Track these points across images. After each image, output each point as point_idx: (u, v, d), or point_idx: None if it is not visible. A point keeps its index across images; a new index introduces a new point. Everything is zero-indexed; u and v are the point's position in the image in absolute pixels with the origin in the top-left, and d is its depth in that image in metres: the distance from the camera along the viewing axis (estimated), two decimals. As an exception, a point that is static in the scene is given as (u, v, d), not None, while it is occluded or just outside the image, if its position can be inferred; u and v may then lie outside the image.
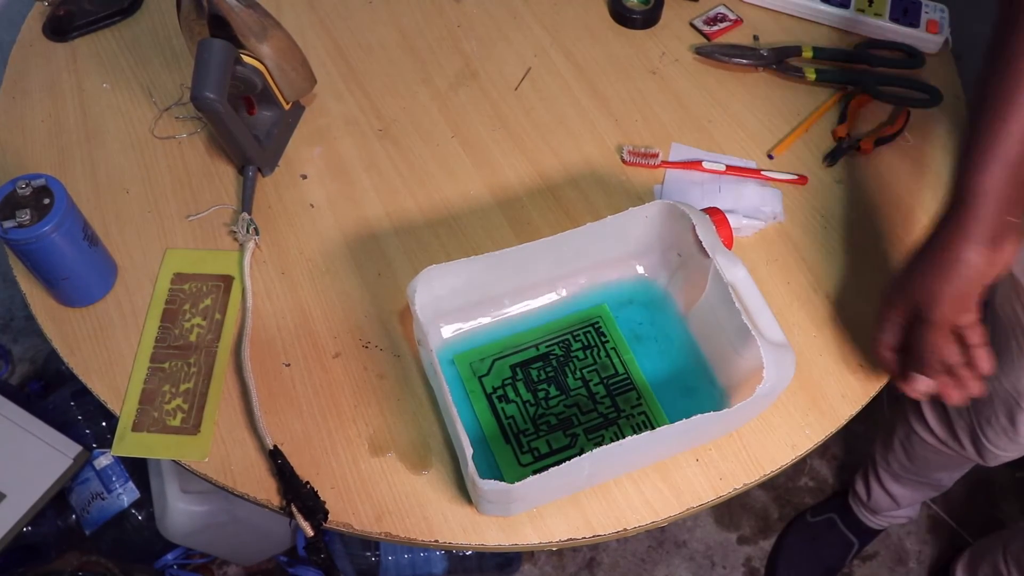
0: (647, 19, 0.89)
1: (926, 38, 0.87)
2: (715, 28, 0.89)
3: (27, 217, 0.61)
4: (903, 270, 0.62)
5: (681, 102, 0.84)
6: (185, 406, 0.65)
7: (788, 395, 0.66)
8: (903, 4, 0.89)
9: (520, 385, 0.65)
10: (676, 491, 0.62)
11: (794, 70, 0.84)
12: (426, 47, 0.87)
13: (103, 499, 1.13)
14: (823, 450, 1.39)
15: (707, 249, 0.60)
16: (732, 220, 0.70)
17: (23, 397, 1.20)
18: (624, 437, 0.53)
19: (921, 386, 0.62)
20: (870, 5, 0.89)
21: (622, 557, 1.29)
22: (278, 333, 0.69)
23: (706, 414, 0.54)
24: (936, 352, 0.59)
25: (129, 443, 0.64)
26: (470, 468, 0.52)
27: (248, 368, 0.66)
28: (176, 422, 0.64)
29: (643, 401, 0.65)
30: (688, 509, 0.62)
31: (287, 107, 0.78)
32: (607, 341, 0.67)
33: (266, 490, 0.61)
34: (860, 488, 1.21)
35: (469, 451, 0.53)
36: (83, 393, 1.15)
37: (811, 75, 0.84)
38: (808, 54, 0.85)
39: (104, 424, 1.16)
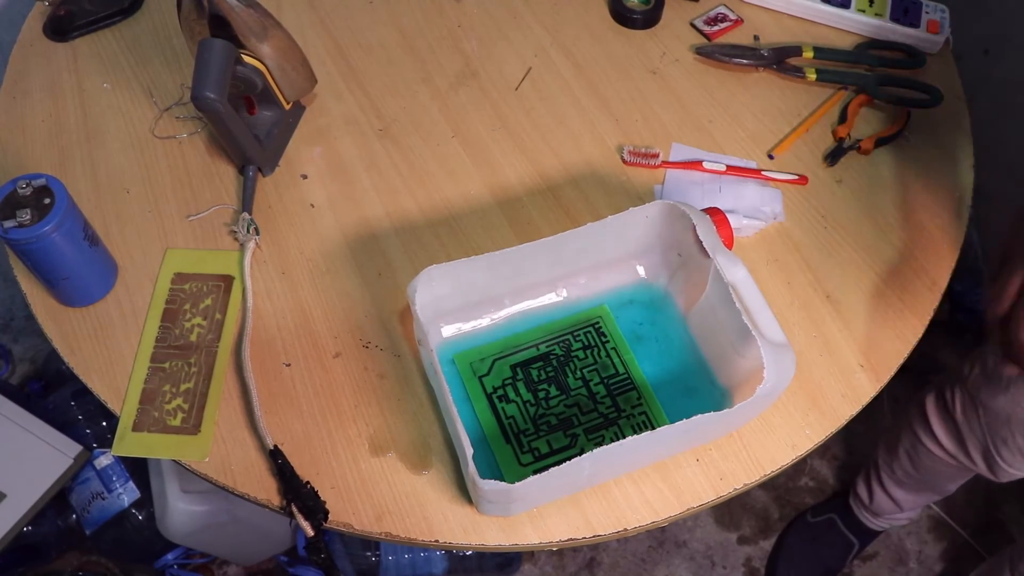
0: (647, 19, 0.89)
1: (927, 38, 0.87)
2: (715, 28, 0.89)
3: (27, 217, 0.61)
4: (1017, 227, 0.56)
5: (681, 102, 0.84)
6: (185, 406, 0.65)
7: (788, 395, 0.66)
8: (904, 4, 0.89)
9: (520, 385, 0.65)
10: (676, 491, 0.62)
11: (794, 70, 0.84)
12: (426, 47, 0.87)
13: (103, 499, 1.13)
14: (823, 450, 1.39)
15: (707, 249, 0.60)
16: (732, 220, 0.70)
17: (23, 397, 1.20)
18: (624, 437, 0.53)
19: None
20: (871, 5, 0.89)
21: (622, 557, 1.29)
22: (278, 333, 0.69)
23: (706, 414, 0.54)
24: None
25: (129, 443, 0.64)
26: (470, 468, 0.52)
27: (248, 368, 0.66)
28: (176, 422, 0.64)
29: (643, 401, 0.65)
30: (688, 509, 0.62)
31: (287, 107, 0.78)
32: (607, 341, 0.67)
33: (266, 490, 0.61)
34: (862, 490, 1.21)
35: (469, 451, 0.53)
36: (83, 393, 1.15)
37: (811, 75, 0.84)
38: (808, 54, 0.85)
39: (104, 424, 1.16)
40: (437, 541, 0.60)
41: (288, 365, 0.67)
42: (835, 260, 0.74)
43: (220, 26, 0.71)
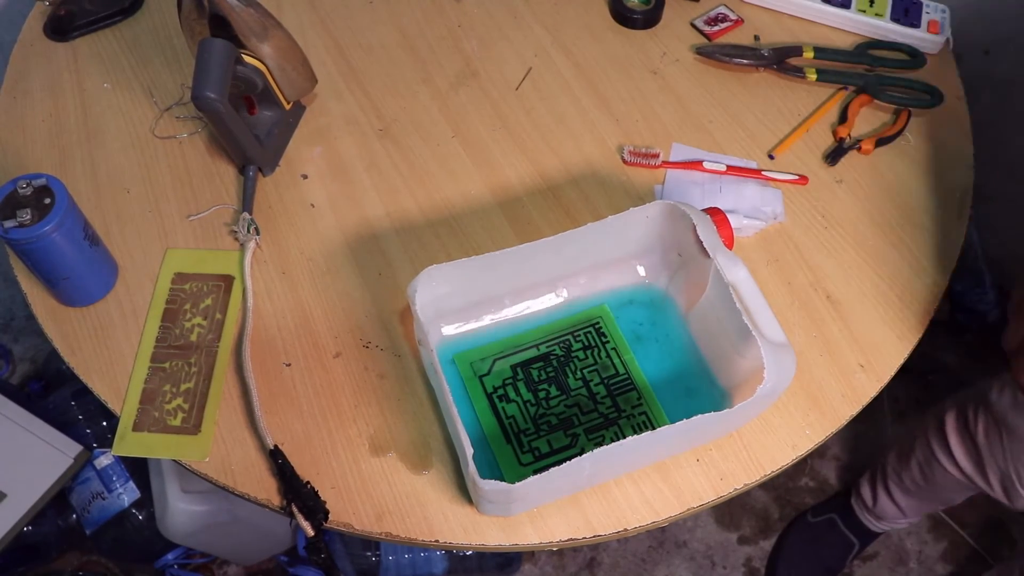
0: (648, 19, 0.89)
1: (927, 38, 0.87)
2: (716, 28, 0.89)
3: (28, 217, 0.61)
4: None
5: (682, 102, 0.84)
6: (186, 406, 0.65)
7: (788, 395, 0.66)
8: (904, 4, 0.89)
9: (521, 385, 0.65)
10: (677, 491, 0.62)
11: (795, 70, 0.84)
12: (426, 47, 0.87)
13: (103, 499, 1.13)
14: (823, 450, 1.39)
15: (708, 249, 0.60)
16: (733, 220, 0.70)
17: (24, 397, 1.20)
18: (625, 437, 0.53)
19: None
20: (871, 5, 0.89)
21: (622, 557, 1.29)
22: (279, 333, 0.69)
23: (707, 414, 0.54)
24: None
25: (130, 443, 0.64)
26: (471, 468, 0.52)
27: (249, 368, 0.66)
28: (176, 422, 0.64)
29: (644, 401, 0.65)
30: (689, 509, 0.62)
31: (288, 107, 0.78)
32: (608, 341, 0.67)
33: (266, 490, 0.61)
34: (866, 492, 1.20)
35: (470, 451, 0.53)
36: (84, 393, 1.15)
37: (812, 75, 0.84)
38: (809, 54, 0.85)
39: (104, 424, 1.16)
40: (437, 541, 0.60)
41: (288, 365, 0.67)
42: (835, 260, 0.74)
43: (220, 26, 0.71)
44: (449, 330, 0.67)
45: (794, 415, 0.66)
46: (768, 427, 0.65)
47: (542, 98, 0.84)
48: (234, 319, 0.69)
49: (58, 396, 1.18)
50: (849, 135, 0.81)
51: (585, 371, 0.66)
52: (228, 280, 0.71)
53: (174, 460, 0.63)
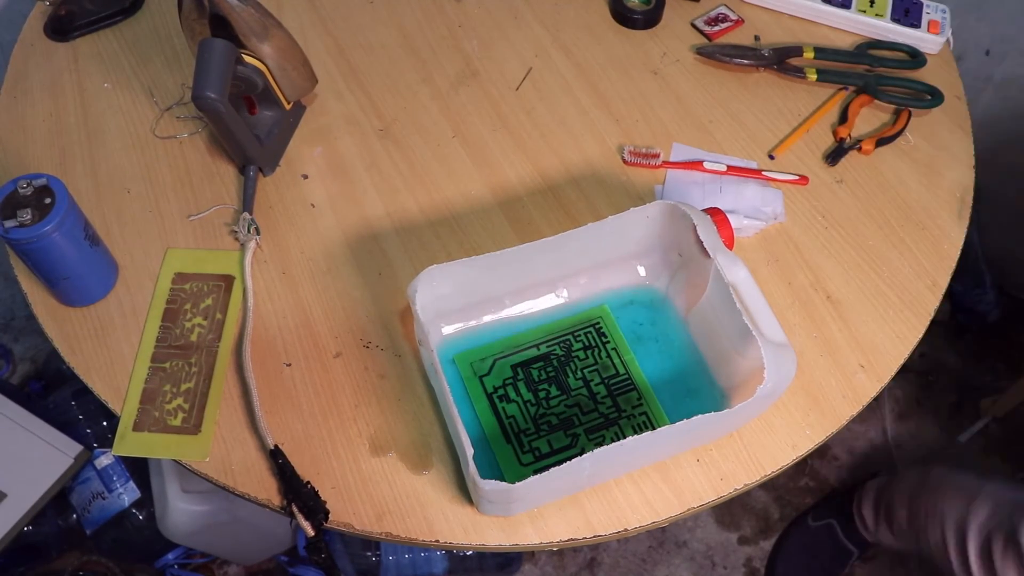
0: (648, 19, 0.89)
1: (927, 39, 0.87)
2: (716, 28, 0.89)
3: (28, 217, 0.61)
4: None
5: (682, 102, 0.84)
6: (186, 406, 0.65)
7: (789, 395, 0.66)
8: (904, 4, 0.89)
9: (521, 385, 0.65)
10: (677, 491, 0.62)
11: (795, 70, 0.84)
12: (427, 47, 0.88)
13: (104, 499, 1.13)
14: (823, 450, 1.39)
15: (708, 249, 0.60)
16: (733, 220, 0.70)
17: (24, 396, 1.19)
18: (625, 437, 0.53)
19: None
20: (871, 5, 0.89)
21: (623, 557, 1.29)
22: (279, 333, 0.69)
23: (707, 414, 0.54)
24: None
25: (130, 443, 0.64)
26: (471, 468, 0.52)
27: (249, 368, 0.66)
28: (177, 422, 0.64)
29: (644, 401, 0.65)
30: (689, 509, 0.62)
31: (288, 107, 0.78)
32: (608, 341, 0.67)
33: (267, 490, 0.61)
34: (868, 515, 1.18)
35: (470, 451, 0.53)
36: (84, 392, 1.15)
37: (812, 75, 0.84)
38: (809, 54, 0.85)
39: (105, 424, 1.16)
40: (437, 541, 0.60)
41: (289, 365, 0.67)
42: (835, 260, 0.74)
43: (221, 26, 0.71)
44: (449, 330, 0.67)
45: (794, 415, 0.66)
46: (768, 427, 0.65)
47: (542, 98, 0.84)
48: (234, 319, 0.69)
49: (58, 396, 1.18)
50: (849, 135, 0.81)
51: (585, 371, 0.66)
52: (228, 280, 0.71)
53: (174, 460, 0.63)
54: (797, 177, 0.78)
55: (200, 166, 0.78)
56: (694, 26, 0.90)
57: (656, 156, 0.78)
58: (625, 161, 0.79)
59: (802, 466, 1.38)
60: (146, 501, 1.14)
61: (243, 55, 0.71)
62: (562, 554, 1.29)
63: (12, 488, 1.06)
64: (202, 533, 1.03)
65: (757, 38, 0.89)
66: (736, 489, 0.62)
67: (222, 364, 0.67)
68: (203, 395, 0.65)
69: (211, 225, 0.75)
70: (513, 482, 0.52)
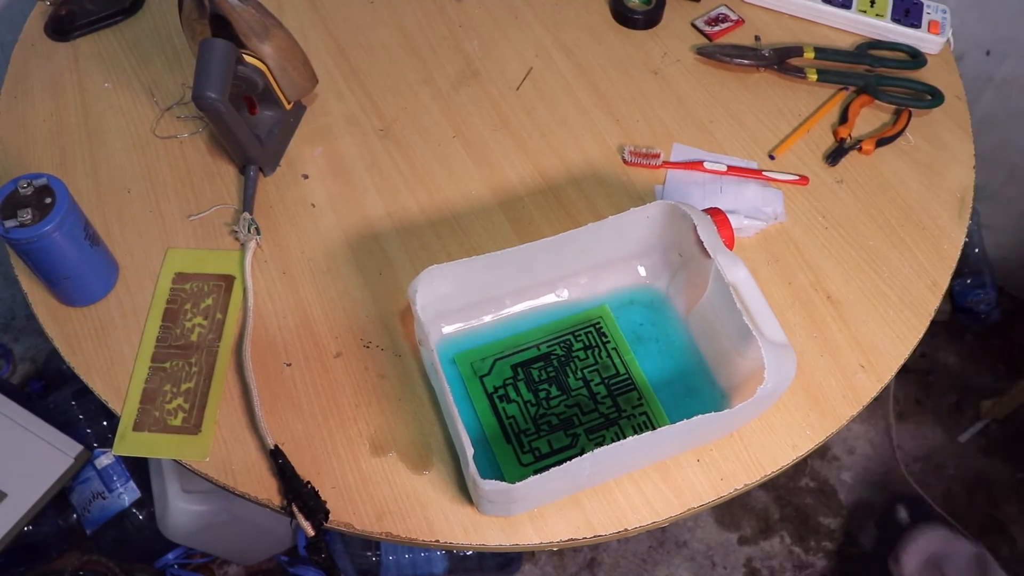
0: (649, 19, 0.89)
1: (928, 39, 0.87)
2: (717, 28, 0.89)
3: (29, 216, 0.61)
4: None
5: (682, 102, 0.84)
6: (186, 406, 0.65)
7: (789, 395, 0.66)
8: (905, 5, 0.89)
9: (521, 385, 0.65)
10: (677, 491, 0.62)
11: (795, 70, 0.84)
12: (427, 47, 0.88)
13: (104, 498, 1.13)
14: (824, 450, 1.39)
15: (708, 249, 0.60)
16: (733, 220, 0.70)
17: (24, 396, 1.20)
18: (625, 437, 0.53)
19: None
20: (872, 6, 0.89)
21: (623, 557, 1.29)
22: (279, 333, 0.69)
23: (707, 414, 0.54)
24: None
25: (130, 442, 0.64)
26: (471, 468, 0.52)
27: (249, 368, 0.66)
28: (177, 422, 0.64)
29: (644, 401, 0.65)
30: (689, 509, 0.62)
31: (288, 107, 0.78)
32: (608, 341, 0.67)
33: (267, 490, 0.61)
34: None
35: (470, 451, 0.53)
36: (84, 392, 1.15)
37: (812, 75, 0.84)
38: (809, 54, 0.85)
39: (105, 423, 1.16)
40: (438, 541, 0.60)
41: (289, 365, 0.67)
42: (835, 260, 0.74)
43: (221, 26, 0.71)
44: (449, 330, 0.67)
45: (794, 415, 0.66)
46: (768, 427, 0.65)
47: (543, 98, 0.84)
48: (235, 319, 0.69)
49: (59, 396, 1.18)
50: (850, 135, 0.81)
51: (586, 371, 0.66)
52: (229, 280, 0.71)
53: (174, 460, 0.63)
54: (797, 177, 0.78)
55: (200, 166, 0.78)
56: (694, 26, 0.90)
57: (656, 156, 0.78)
58: (625, 161, 0.79)
59: (802, 466, 1.38)
60: (146, 501, 1.14)
61: (244, 55, 0.71)
62: (562, 554, 1.29)
63: (12, 488, 1.06)
64: (202, 533, 1.03)
65: (757, 38, 0.89)
66: (736, 489, 0.62)
67: (222, 364, 0.67)
68: (203, 395, 0.65)
69: (211, 225, 0.75)
70: (513, 482, 0.52)
